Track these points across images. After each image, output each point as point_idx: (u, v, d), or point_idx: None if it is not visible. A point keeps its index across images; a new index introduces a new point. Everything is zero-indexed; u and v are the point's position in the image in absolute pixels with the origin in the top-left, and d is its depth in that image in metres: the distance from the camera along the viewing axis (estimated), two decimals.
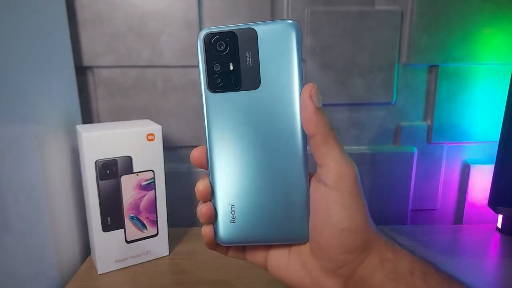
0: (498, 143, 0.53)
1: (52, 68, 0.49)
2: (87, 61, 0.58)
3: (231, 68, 0.26)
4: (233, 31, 0.26)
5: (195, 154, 0.28)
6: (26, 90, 0.42)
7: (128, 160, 0.47)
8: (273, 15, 0.58)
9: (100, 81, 0.59)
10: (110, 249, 0.48)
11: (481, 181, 0.64)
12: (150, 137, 0.48)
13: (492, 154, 0.63)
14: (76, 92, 0.56)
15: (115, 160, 0.46)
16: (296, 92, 0.26)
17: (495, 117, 0.61)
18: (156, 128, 0.48)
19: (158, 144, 0.49)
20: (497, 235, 0.59)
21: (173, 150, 0.62)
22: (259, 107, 0.26)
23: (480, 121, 0.62)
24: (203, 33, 0.26)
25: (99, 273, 0.48)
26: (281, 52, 0.25)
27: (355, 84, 0.60)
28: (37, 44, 0.45)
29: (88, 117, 0.60)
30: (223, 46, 0.26)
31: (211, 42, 0.26)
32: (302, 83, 0.26)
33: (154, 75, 0.59)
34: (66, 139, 0.51)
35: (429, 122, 0.62)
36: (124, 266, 0.49)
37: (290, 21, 0.25)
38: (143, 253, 0.51)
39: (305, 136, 0.26)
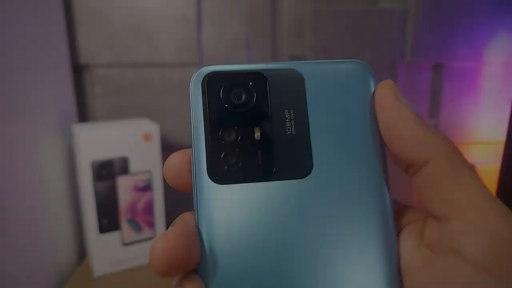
0: (504, 143, 0.52)
1: (48, 67, 0.48)
2: (84, 59, 0.57)
3: (257, 137, 0.16)
4: (258, 71, 0.16)
5: None
6: (20, 89, 0.41)
7: (125, 160, 0.46)
8: (274, 14, 0.57)
9: (97, 80, 0.58)
10: (106, 252, 0.47)
11: (487, 182, 0.62)
12: (147, 137, 0.47)
13: (497, 154, 0.62)
14: (72, 91, 0.55)
15: (111, 160, 0.45)
16: (379, 172, 0.16)
17: (500, 117, 0.60)
18: (153, 128, 0.47)
19: (155, 144, 0.47)
20: None
21: (171, 150, 0.61)
22: (308, 206, 0.15)
23: (485, 121, 0.61)
24: (204, 74, 0.16)
25: (95, 275, 0.47)
26: (346, 108, 0.16)
27: None
28: (33, 42, 0.44)
29: (84, 116, 0.59)
30: (243, 96, 0.16)
31: (221, 89, 0.16)
32: (385, 160, 0.16)
33: (152, 74, 0.58)
34: (62, 139, 0.50)
35: (434, 121, 0.61)
36: (121, 269, 0.48)
37: (359, 61, 0.17)
38: (140, 255, 0.49)
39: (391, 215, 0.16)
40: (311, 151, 0.15)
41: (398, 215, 0.17)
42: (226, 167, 0.15)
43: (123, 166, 0.46)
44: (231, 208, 0.15)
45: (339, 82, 0.16)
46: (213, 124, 0.16)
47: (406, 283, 0.15)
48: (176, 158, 0.17)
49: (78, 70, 0.57)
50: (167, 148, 0.61)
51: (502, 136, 0.54)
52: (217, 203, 0.15)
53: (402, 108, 0.15)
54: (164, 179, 0.17)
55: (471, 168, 0.14)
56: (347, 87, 0.16)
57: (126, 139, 0.45)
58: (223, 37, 0.57)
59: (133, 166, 0.46)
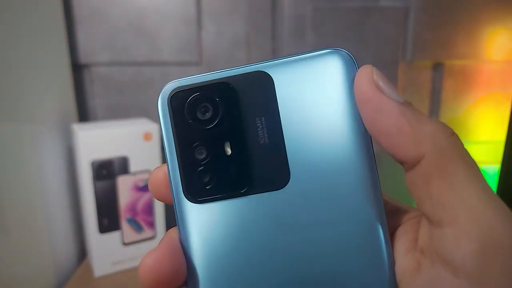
0: (504, 143, 0.52)
1: (47, 66, 0.48)
2: (83, 58, 0.56)
3: (228, 152, 0.15)
4: (225, 80, 0.15)
5: None
6: (20, 88, 0.41)
7: (125, 160, 0.46)
8: (274, 12, 0.56)
9: (97, 79, 0.58)
10: (106, 252, 0.47)
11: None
12: (148, 136, 0.46)
13: (497, 154, 0.62)
14: (72, 90, 0.54)
15: (112, 160, 0.45)
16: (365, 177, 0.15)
17: (500, 116, 0.60)
18: (153, 127, 0.47)
19: (155, 143, 0.47)
20: None
21: None
22: (288, 217, 0.15)
23: (486, 120, 0.61)
24: (169, 91, 0.15)
25: (95, 276, 0.47)
26: (323, 105, 0.14)
27: None
28: (31, 41, 0.44)
29: (84, 116, 0.59)
30: (209, 111, 0.15)
31: (185, 105, 0.15)
32: (373, 160, 0.15)
33: (152, 73, 0.58)
34: (62, 139, 0.49)
35: None
36: (122, 269, 0.48)
37: (337, 49, 0.14)
38: (141, 255, 0.49)
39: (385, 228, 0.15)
40: (287, 159, 0.14)
41: (390, 215, 0.16)
42: (200, 186, 0.15)
43: (123, 166, 0.46)
44: (210, 226, 0.15)
45: (314, 76, 0.14)
46: (183, 143, 0.15)
47: None
48: (158, 173, 0.16)
49: (78, 69, 0.57)
50: None
51: (502, 136, 0.54)
52: (196, 221, 0.15)
53: (385, 101, 0.13)
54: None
55: (470, 165, 0.12)
56: (323, 82, 0.14)
57: (126, 138, 0.45)
58: (223, 36, 0.57)
59: (133, 166, 0.46)
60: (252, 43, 0.57)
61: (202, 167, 0.15)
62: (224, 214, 0.15)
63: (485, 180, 0.13)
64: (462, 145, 0.13)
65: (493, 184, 0.58)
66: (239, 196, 0.15)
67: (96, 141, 0.44)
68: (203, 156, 0.15)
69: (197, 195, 0.15)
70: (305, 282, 0.15)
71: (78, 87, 0.57)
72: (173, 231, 0.16)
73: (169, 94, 0.15)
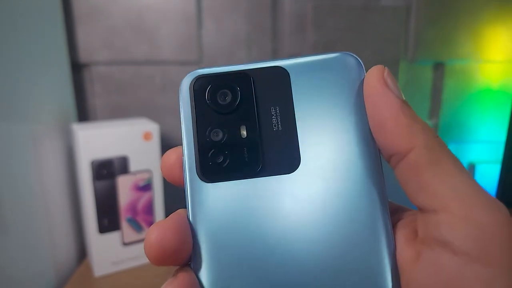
0: (504, 143, 0.52)
1: (47, 65, 0.47)
2: (83, 57, 0.56)
3: (244, 135, 0.16)
4: (245, 71, 0.16)
5: None
6: (19, 88, 0.41)
7: (125, 160, 0.45)
8: (275, 10, 0.56)
9: (97, 78, 0.57)
10: (107, 251, 0.47)
11: (487, 182, 0.62)
12: (147, 136, 0.46)
13: (498, 154, 0.62)
14: (71, 89, 0.54)
15: (111, 159, 0.45)
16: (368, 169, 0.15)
17: (501, 116, 0.60)
18: (153, 127, 0.47)
19: (155, 143, 0.47)
20: None
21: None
22: (297, 199, 0.15)
23: (486, 119, 0.60)
24: (192, 77, 0.16)
25: (95, 275, 0.47)
26: (334, 100, 0.16)
27: None
28: (31, 40, 0.43)
29: (84, 115, 0.59)
30: (228, 97, 0.16)
31: (206, 91, 0.16)
32: (377, 152, 0.16)
33: (152, 71, 0.58)
34: (61, 138, 0.49)
35: (435, 120, 0.61)
36: (121, 269, 0.48)
37: (347, 53, 0.16)
38: (141, 255, 0.49)
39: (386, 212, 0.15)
40: (298, 146, 0.16)
41: (391, 213, 0.17)
42: (214, 165, 0.16)
43: (123, 166, 0.46)
44: (221, 205, 0.15)
45: (326, 75, 0.16)
46: (201, 125, 0.16)
47: (401, 278, 0.15)
48: (172, 155, 0.17)
49: (78, 68, 0.57)
50: (167, 147, 0.60)
51: (502, 136, 0.54)
52: (207, 200, 0.15)
53: (389, 95, 0.15)
54: (163, 177, 0.17)
55: (454, 158, 0.14)
56: (334, 79, 0.16)
57: (126, 138, 0.45)
58: (223, 34, 0.56)
59: (133, 166, 0.46)
60: (253, 41, 0.57)
61: (217, 148, 0.16)
62: (234, 194, 0.15)
63: (466, 171, 0.14)
64: (446, 144, 0.14)
65: (493, 184, 0.58)
66: (251, 177, 0.15)
67: (96, 140, 0.43)
68: (219, 137, 0.16)
69: (210, 174, 0.16)
70: (309, 263, 0.15)
71: (77, 86, 0.57)
72: (181, 210, 0.16)
73: (193, 79, 0.16)
